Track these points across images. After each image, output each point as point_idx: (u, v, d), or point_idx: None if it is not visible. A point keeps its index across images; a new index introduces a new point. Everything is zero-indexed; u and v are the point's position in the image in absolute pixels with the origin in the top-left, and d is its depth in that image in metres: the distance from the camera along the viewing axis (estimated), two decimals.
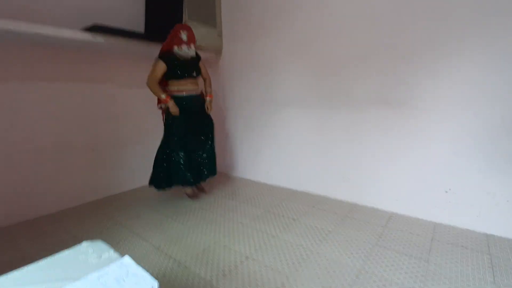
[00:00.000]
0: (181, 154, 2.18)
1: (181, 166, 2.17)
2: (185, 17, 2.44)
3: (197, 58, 2.22)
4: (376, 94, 2.02)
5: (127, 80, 2.57)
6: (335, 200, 2.32)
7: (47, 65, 2.06)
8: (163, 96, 2.06)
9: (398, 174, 2.01)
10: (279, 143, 2.66)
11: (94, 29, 1.90)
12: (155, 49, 2.41)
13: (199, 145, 2.31)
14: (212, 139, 2.40)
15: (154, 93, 2.08)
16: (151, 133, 2.80)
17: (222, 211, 2.18)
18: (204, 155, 2.34)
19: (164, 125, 2.24)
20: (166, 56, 2.06)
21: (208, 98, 2.33)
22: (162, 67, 2.04)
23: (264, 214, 2.10)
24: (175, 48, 2.05)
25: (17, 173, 2.00)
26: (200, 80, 2.32)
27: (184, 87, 2.15)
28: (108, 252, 0.92)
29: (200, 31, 2.58)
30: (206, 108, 2.33)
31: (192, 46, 2.08)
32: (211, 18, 2.71)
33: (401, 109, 1.93)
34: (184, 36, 2.04)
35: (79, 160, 2.32)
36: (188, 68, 2.12)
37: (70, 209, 2.27)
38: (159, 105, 2.27)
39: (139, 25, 2.51)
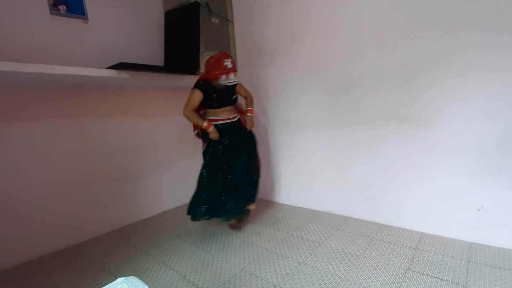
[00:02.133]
0: (222, 182, 2.07)
1: (223, 196, 2.07)
2: (201, 48, 2.56)
3: (234, 84, 2.14)
4: (394, 111, 2.01)
5: (148, 110, 2.69)
6: (360, 221, 2.26)
7: (73, 103, 2.20)
8: (205, 124, 2.00)
9: (425, 192, 1.95)
10: (297, 164, 2.66)
11: (120, 66, 2.03)
12: (174, 81, 2.54)
13: (243, 170, 2.16)
14: (255, 159, 2.27)
15: (193, 121, 2.05)
16: (172, 161, 2.88)
17: (244, 235, 2.17)
18: (250, 180, 2.21)
19: (203, 153, 2.18)
20: (202, 85, 2.02)
21: (248, 114, 2.22)
22: (198, 95, 1.99)
23: (287, 238, 2.07)
24: (223, 77, 1.94)
25: (48, 207, 2.09)
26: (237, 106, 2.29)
27: (220, 116, 2.10)
28: None
29: None
30: (244, 122, 2.23)
31: (237, 75, 2.02)
32: (225, 47, 2.84)
33: (421, 124, 1.90)
34: (229, 64, 1.95)
35: (104, 190, 2.40)
36: (224, 96, 2.07)
37: (96, 238, 2.32)
38: (196, 131, 2.24)
39: (159, 59, 2.67)
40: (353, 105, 2.21)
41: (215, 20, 2.68)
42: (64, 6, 2.12)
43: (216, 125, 2.06)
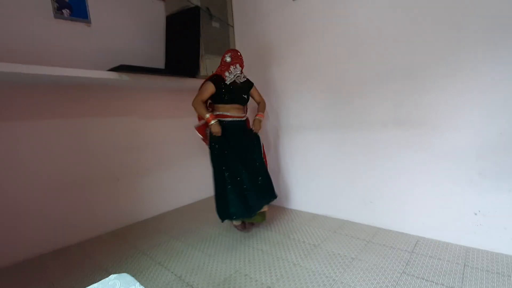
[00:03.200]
0: (233, 183, 2.01)
1: (234, 197, 2.00)
2: (202, 51, 2.60)
3: (248, 84, 2.18)
4: (392, 115, 2.01)
5: (149, 112, 2.73)
6: (358, 224, 2.25)
7: (74, 103, 2.24)
8: (207, 115, 1.95)
9: (422, 195, 1.94)
10: (296, 167, 2.67)
11: (120, 68, 2.07)
12: (175, 83, 2.57)
13: (252, 169, 2.09)
14: (261, 160, 2.22)
15: (198, 112, 2.01)
16: (172, 162, 2.91)
17: (241, 237, 2.18)
18: (260, 178, 2.14)
19: (210, 154, 2.11)
20: (216, 79, 2.01)
21: (257, 117, 2.19)
22: (210, 87, 1.97)
23: (284, 240, 2.08)
24: (226, 74, 2.01)
25: (48, 205, 2.12)
26: (246, 108, 2.27)
27: (228, 112, 2.06)
28: (134, 285, 0.94)
29: (216, 62, 2.72)
30: (252, 125, 2.20)
31: (238, 66, 2.04)
32: (226, 49, 2.87)
33: (418, 129, 1.91)
34: (228, 58, 2.02)
35: (105, 191, 2.43)
36: (236, 94, 2.04)
37: (96, 237, 2.35)
38: (202, 136, 2.18)
39: (159, 61, 2.71)
40: (351, 108, 2.22)
41: (215, 24, 2.72)
42: (68, 10, 2.18)
43: (221, 122, 2.01)
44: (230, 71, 2.01)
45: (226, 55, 2.04)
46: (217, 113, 2.06)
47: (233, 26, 2.93)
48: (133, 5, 2.58)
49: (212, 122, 1.95)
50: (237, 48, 2.97)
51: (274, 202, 2.89)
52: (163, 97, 2.85)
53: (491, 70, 1.61)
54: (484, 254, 1.69)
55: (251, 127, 2.23)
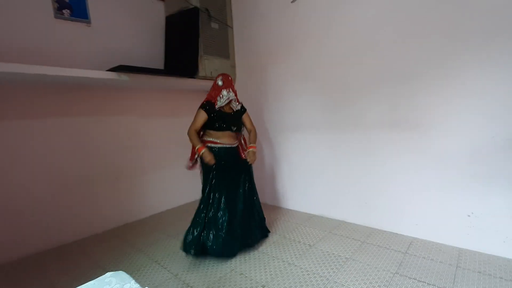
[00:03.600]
0: (225, 217, 1.86)
1: (223, 232, 1.83)
2: (201, 52, 2.62)
3: (241, 111, 2.07)
4: (388, 117, 2.04)
5: (148, 111, 2.76)
6: (353, 225, 2.28)
7: (74, 103, 2.27)
8: (199, 145, 1.89)
9: (416, 197, 1.97)
10: (293, 167, 2.69)
11: (119, 69, 2.09)
12: (174, 83, 2.60)
13: (244, 202, 1.97)
14: (254, 191, 2.08)
15: (192, 142, 1.93)
16: (170, 161, 2.93)
17: None
18: (252, 213, 2.01)
19: (202, 183, 1.99)
20: (207, 105, 1.94)
21: (250, 149, 2.06)
22: (203, 115, 1.91)
23: (280, 240, 2.10)
24: (218, 98, 1.94)
25: (47, 204, 2.15)
26: (240, 136, 2.14)
27: (220, 140, 1.97)
28: (129, 282, 0.97)
29: (214, 63, 2.76)
30: (244, 155, 2.06)
31: (231, 91, 1.96)
32: (224, 51, 2.89)
33: (413, 131, 1.93)
34: (219, 81, 1.96)
35: (104, 190, 2.46)
36: (228, 121, 1.97)
37: (94, 236, 2.37)
38: (192, 161, 2.06)
39: (159, 62, 2.73)
40: (348, 110, 2.24)
41: (214, 25, 2.74)
42: (68, 10, 2.20)
43: (211, 148, 1.93)
44: (222, 95, 1.94)
45: (217, 79, 1.98)
46: (209, 139, 1.97)
47: (232, 27, 2.95)
48: (133, 6, 2.60)
49: (203, 151, 1.87)
50: (235, 49, 2.99)
51: (272, 202, 2.92)
52: (162, 97, 2.87)
53: (482, 75, 1.63)
54: (476, 256, 1.71)
55: (245, 157, 2.07)
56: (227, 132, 1.98)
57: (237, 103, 2.03)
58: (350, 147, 2.26)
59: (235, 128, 2.02)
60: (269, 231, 2.19)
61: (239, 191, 1.98)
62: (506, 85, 1.57)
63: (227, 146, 1.99)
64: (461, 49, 1.69)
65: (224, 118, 1.95)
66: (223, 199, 1.89)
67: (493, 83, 1.61)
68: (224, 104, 1.94)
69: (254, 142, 2.12)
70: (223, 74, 2.01)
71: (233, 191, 1.95)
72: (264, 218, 2.16)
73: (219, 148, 1.96)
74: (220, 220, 1.86)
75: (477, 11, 1.61)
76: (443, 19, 1.73)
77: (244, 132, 2.18)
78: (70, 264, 1.91)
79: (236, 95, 2.01)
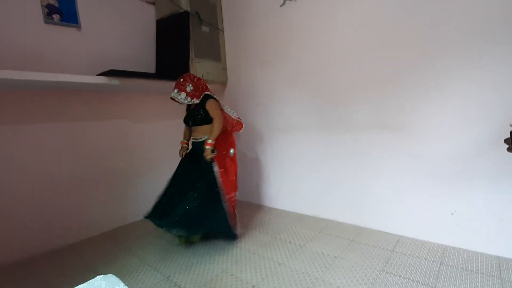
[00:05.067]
0: (164, 193, 2.16)
1: (157, 200, 2.16)
2: (192, 55, 2.64)
3: (201, 105, 2.07)
4: (375, 119, 2.09)
5: (139, 115, 2.77)
6: (342, 224, 2.32)
7: (65, 107, 2.27)
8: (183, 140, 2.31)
9: (403, 195, 2.02)
10: (283, 168, 2.73)
11: (110, 73, 2.10)
12: (165, 87, 2.61)
13: (182, 194, 2.01)
14: (200, 192, 1.97)
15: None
16: (163, 163, 2.95)
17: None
18: (182, 206, 1.94)
19: None
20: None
21: (205, 146, 2.01)
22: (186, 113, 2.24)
23: (271, 240, 2.14)
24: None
25: (39, 208, 2.15)
26: (208, 128, 2.10)
27: (192, 135, 2.22)
28: (119, 285, 1.00)
29: (206, 66, 2.78)
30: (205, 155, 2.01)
31: (179, 91, 2.00)
32: (216, 54, 2.92)
33: (400, 132, 1.98)
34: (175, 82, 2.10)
35: (96, 193, 2.47)
36: (189, 117, 2.18)
37: (87, 239, 2.38)
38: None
39: (150, 65, 2.75)
40: (336, 112, 2.29)
41: (205, 28, 2.77)
42: (58, 15, 2.21)
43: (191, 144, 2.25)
44: (173, 91, 2.05)
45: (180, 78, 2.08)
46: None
47: (223, 30, 2.98)
48: (123, 10, 2.61)
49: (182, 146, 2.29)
50: (226, 52, 3.02)
51: (263, 203, 2.96)
52: (153, 101, 2.88)
53: (465, 78, 1.69)
54: (460, 252, 1.77)
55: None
56: (195, 127, 2.16)
57: (197, 99, 2.04)
58: (340, 148, 2.31)
59: (191, 123, 2.16)
60: (236, 236, 2.14)
61: (187, 179, 2.08)
62: (487, 88, 1.64)
63: (195, 141, 2.18)
64: (444, 55, 1.74)
65: (189, 114, 2.19)
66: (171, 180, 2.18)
67: (474, 86, 1.67)
68: (176, 101, 2.04)
69: (212, 137, 2.01)
70: (183, 75, 2.08)
71: (182, 177, 2.14)
72: (227, 221, 2.01)
73: (192, 143, 2.23)
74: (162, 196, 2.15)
75: (458, 16, 1.67)
76: (427, 26, 1.78)
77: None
78: (62, 268, 1.92)
79: (199, 89, 2.05)
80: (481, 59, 1.63)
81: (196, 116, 2.11)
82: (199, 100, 2.06)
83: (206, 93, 2.10)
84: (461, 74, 1.70)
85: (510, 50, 1.55)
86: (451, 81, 1.74)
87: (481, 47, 1.62)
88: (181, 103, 2.05)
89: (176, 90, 2.03)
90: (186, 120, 2.21)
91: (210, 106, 2.07)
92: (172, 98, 2.05)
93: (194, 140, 2.19)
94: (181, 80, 2.05)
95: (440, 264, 1.67)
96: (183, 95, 2.01)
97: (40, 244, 2.16)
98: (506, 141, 0.90)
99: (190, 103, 2.05)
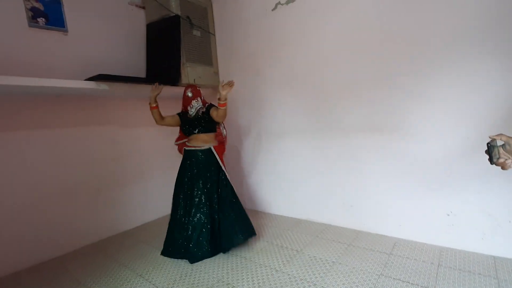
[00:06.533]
0: (173, 216, 2.06)
1: (169, 230, 2.06)
2: (183, 59, 2.60)
3: (206, 112, 2.10)
4: (367, 122, 2.09)
5: (129, 121, 2.70)
6: (339, 228, 2.30)
7: (52, 113, 2.19)
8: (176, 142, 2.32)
9: (399, 198, 2.02)
10: (278, 173, 2.70)
11: (99, 78, 2.04)
12: None
13: (191, 207, 2.00)
14: (209, 200, 2.01)
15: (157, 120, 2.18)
16: (153, 171, 2.88)
17: None
18: (195, 221, 1.96)
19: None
20: (182, 112, 2.18)
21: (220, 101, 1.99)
22: (176, 118, 2.17)
23: (267, 247, 2.09)
24: (189, 108, 2.09)
25: (26, 219, 2.04)
26: (210, 136, 2.15)
27: (189, 143, 2.14)
28: None
29: (197, 70, 2.74)
30: (221, 88, 1.95)
31: (199, 99, 2.11)
32: (207, 58, 2.89)
33: (393, 134, 1.98)
34: (189, 93, 2.10)
35: (84, 202, 2.37)
36: (192, 125, 2.09)
37: (75, 251, 2.27)
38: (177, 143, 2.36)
39: (140, 70, 2.69)
40: (329, 116, 2.28)
41: (196, 32, 2.74)
42: (43, 19, 2.14)
43: (185, 151, 2.16)
44: (192, 105, 2.09)
45: (187, 91, 2.12)
46: (186, 143, 2.19)
47: (214, 34, 2.96)
48: (112, 13, 2.55)
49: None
50: (218, 56, 3.00)
51: (259, 208, 2.91)
52: (143, 106, 2.79)
53: (456, 81, 1.71)
54: (456, 253, 1.77)
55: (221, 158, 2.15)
56: (194, 135, 2.12)
57: (203, 106, 2.12)
58: (334, 152, 2.30)
59: (196, 130, 2.10)
60: (255, 234, 2.13)
61: (197, 190, 2.02)
62: (477, 89, 1.66)
63: (194, 149, 2.11)
64: (434, 58, 1.76)
65: (190, 122, 2.11)
66: (180, 195, 2.06)
67: (465, 88, 1.69)
68: (194, 113, 2.08)
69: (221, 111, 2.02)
70: (191, 86, 2.17)
71: (190, 189, 2.04)
72: (247, 218, 2.16)
73: (188, 150, 2.12)
74: (172, 221, 2.06)
75: (449, 21, 1.69)
76: (418, 30, 1.80)
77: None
78: (49, 282, 1.82)
79: (201, 97, 2.15)
80: (469, 64, 1.65)
81: (200, 122, 2.10)
82: (206, 107, 2.14)
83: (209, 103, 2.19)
84: (451, 77, 1.72)
85: (496, 53, 1.57)
86: (441, 84, 1.76)
87: (471, 53, 1.64)
88: (193, 112, 2.08)
89: (197, 100, 2.10)
90: (189, 130, 2.10)
91: (214, 110, 2.11)
92: (190, 107, 2.08)
93: (193, 149, 2.09)
94: (198, 88, 2.17)
95: (438, 266, 1.65)
96: (200, 102, 2.12)
97: (25, 258, 2.04)
98: (486, 152, 0.89)
99: (200, 110, 2.10)
